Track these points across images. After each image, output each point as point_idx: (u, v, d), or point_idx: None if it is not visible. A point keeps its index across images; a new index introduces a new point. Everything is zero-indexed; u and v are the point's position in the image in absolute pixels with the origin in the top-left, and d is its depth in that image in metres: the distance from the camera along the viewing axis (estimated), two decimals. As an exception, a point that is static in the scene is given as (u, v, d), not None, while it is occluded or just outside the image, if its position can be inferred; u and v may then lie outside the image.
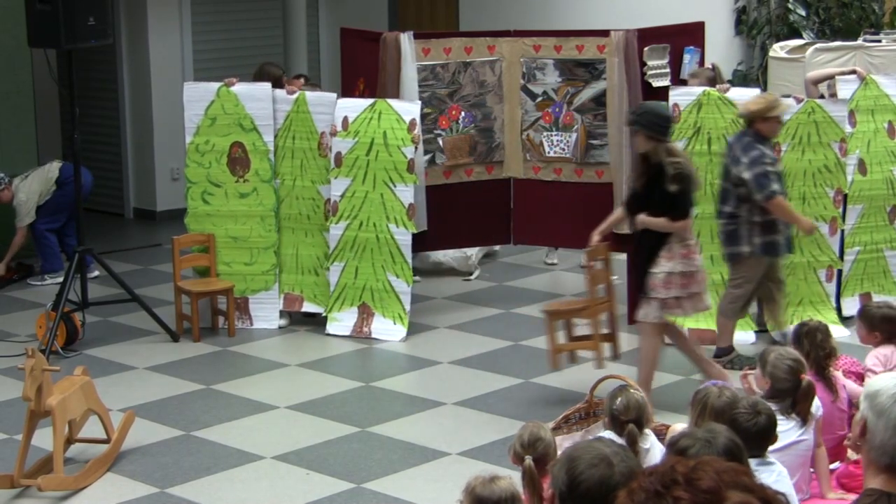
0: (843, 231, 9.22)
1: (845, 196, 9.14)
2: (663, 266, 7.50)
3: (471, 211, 9.52)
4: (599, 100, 9.51)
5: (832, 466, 5.90)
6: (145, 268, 11.22)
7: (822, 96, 9.30)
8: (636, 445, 5.07)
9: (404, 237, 9.23)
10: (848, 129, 9.07)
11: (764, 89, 9.77)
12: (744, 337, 8.98)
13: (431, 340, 8.46)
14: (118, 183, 13.24)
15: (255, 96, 9.40)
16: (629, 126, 7.85)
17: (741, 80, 13.61)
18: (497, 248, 11.24)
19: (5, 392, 8.11)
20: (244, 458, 7.12)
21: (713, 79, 9.20)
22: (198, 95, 9.47)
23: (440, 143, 9.65)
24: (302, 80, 9.97)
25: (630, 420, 5.15)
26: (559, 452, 4.35)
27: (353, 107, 9.33)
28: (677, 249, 7.51)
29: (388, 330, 9.19)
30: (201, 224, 9.48)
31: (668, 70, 9.35)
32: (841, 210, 9.15)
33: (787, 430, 5.47)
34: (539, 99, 9.66)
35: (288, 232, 9.51)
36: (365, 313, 9.28)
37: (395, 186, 9.20)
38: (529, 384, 8.19)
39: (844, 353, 7.03)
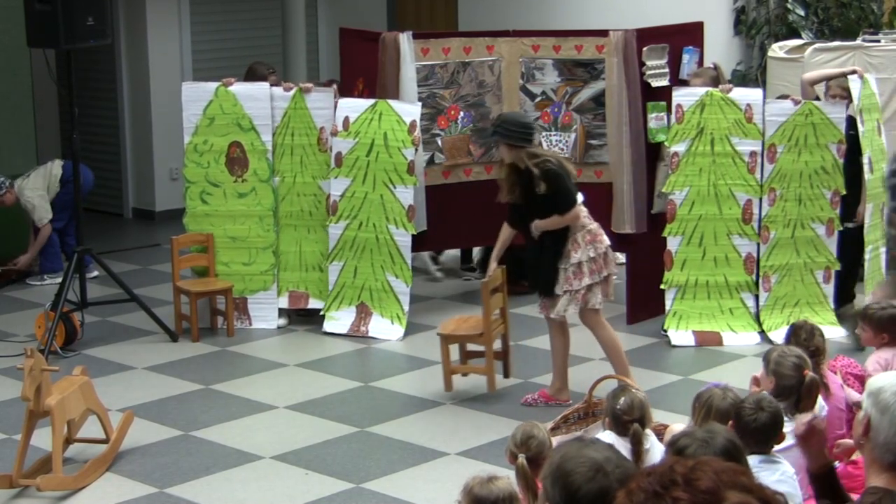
0: (843, 232, 9.20)
1: (843, 197, 9.14)
2: (573, 258, 7.57)
3: (470, 211, 9.51)
4: (598, 100, 9.51)
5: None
6: (144, 268, 11.22)
7: (817, 98, 9.30)
8: (640, 445, 5.07)
9: (404, 238, 9.24)
10: (860, 128, 9.07)
11: (763, 89, 9.75)
12: (747, 338, 8.98)
13: (430, 340, 8.46)
14: (117, 183, 13.24)
15: (254, 96, 9.40)
16: (490, 138, 7.94)
17: (740, 80, 13.59)
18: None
19: (4, 392, 8.11)
20: (243, 458, 7.12)
21: (716, 78, 9.20)
22: (196, 95, 9.46)
23: (439, 143, 9.65)
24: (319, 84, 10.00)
25: (634, 419, 5.16)
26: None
27: (354, 107, 9.33)
28: (581, 238, 7.58)
29: (386, 329, 9.20)
30: (200, 224, 9.48)
31: (666, 70, 9.36)
32: (839, 211, 9.15)
33: (789, 430, 5.47)
34: (538, 99, 9.66)
35: (290, 229, 9.50)
36: (363, 313, 9.29)
37: (394, 188, 9.20)
38: (528, 384, 8.19)
39: (843, 354, 7.03)
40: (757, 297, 9.11)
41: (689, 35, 9.56)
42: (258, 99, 9.40)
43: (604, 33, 9.46)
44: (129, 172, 13.25)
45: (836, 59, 10.36)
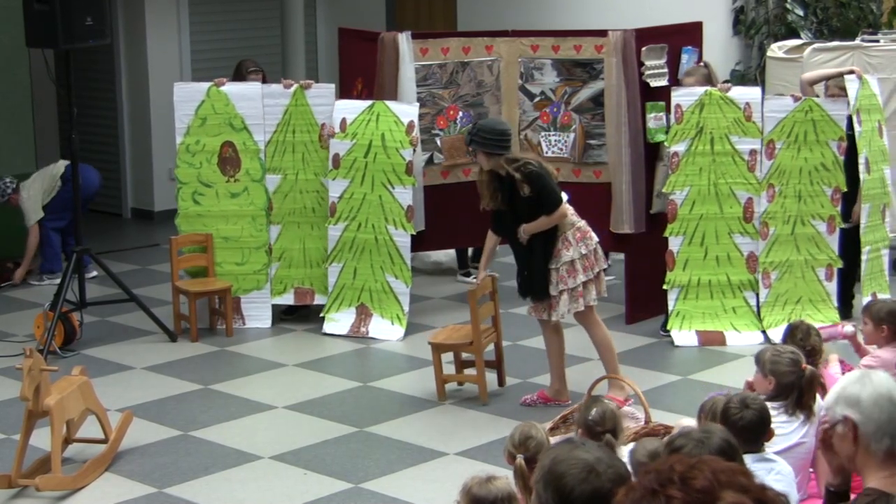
0: (844, 231, 9.21)
1: (844, 194, 9.14)
2: (564, 257, 7.58)
3: (469, 211, 9.49)
4: (597, 100, 9.51)
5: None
6: (143, 268, 11.22)
7: (816, 97, 9.29)
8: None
9: (403, 239, 9.24)
10: (858, 129, 9.07)
11: (762, 89, 9.75)
12: (751, 337, 8.98)
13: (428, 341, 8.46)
14: (116, 183, 13.24)
15: (246, 96, 9.41)
16: (468, 147, 7.96)
17: (739, 80, 13.59)
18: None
19: (3, 392, 8.11)
20: (242, 458, 7.12)
21: (708, 76, 9.20)
22: (188, 96, 9.46)
23: (438, 142, 9.65)
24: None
25: (606, 430, 5.17)
26: None
27: (352, 108, 9.33)
28: (571, 236, 7.60)
29: (387, 330, 9.20)
30: (192, 225, 9.48)
31: (665, 70, 9.35)
32: (840, 208, 9.15)
33: (791, 431, 5.47)
34: (537, 99, 9.66)
35: (293, 227, 9.50)
36: (363, 314, 9.29)
37: (393, 188, 9.21)
38: (527, 384, 8.19)
39: (840, 354, 7.01)
40: (758, 294, 9.11)
41: (687, 35, 9.56)
42: (250, 98, 9.40)
43: (603, 33, 9.46)
44: (128, 172, 13.25)
45: (835, 59, 10.36)
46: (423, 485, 6.76)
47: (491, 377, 8.05)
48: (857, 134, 9.00)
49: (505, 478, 4.55)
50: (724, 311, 9.08)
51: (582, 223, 7.66)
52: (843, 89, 9.12)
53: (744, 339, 8.98)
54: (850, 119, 9.07)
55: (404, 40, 9.44)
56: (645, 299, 9.32)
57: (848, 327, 6.76)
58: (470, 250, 10.81)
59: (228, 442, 7.34)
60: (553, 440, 5.34)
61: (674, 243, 9.08)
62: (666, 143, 9.10)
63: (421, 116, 9.34)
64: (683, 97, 9.01)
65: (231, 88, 9.44)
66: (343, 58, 10.14)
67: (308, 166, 9.44)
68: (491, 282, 7.96)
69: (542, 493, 3.17)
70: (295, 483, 6.79)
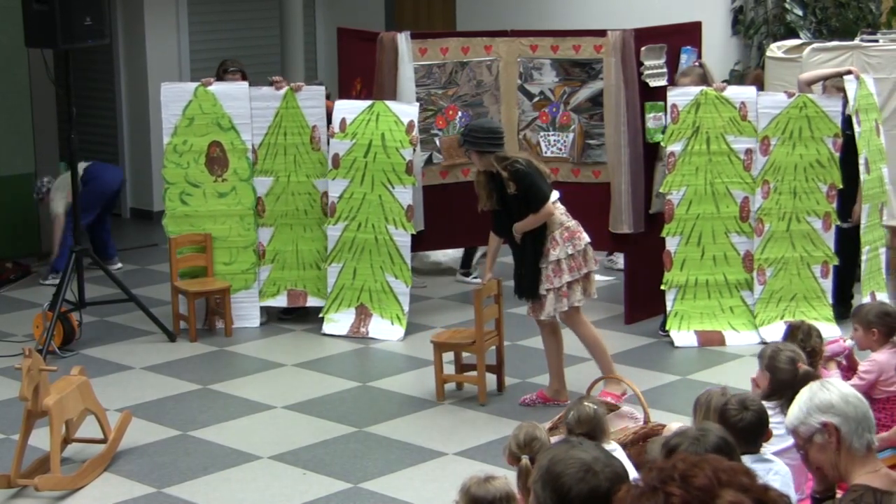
0: (842, 229, 9.21)
1: (840, 192, 9.15)
2: (551, 257, 7.59)
3: (468, 211, 9.49)
4: (596, 100, 9.50)
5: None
6: (142, 268, 11.22)
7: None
8: None
9: (403, 238, 9.24)
10: (857, 128, 9.08)
11: (761, 89, 9.74)
12: (749, 337, 8.98)
13: (428, 341, 8.46)
14: (115, 183, 13.23)
15: (233, 95, 9.41)
16: (461, 147, 7.98)
17: (738, 80, 13.59)
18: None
19: (2, 392, 8.10)
20: (241, 457, 7.12)
21: (703, 76, 9.20)
22: (175, 95, 9.46)
23: (437, 142, 9.65)
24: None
25: (583, 433, 5.17)
26: None
27: (351, 108, 9.34)
28: (558, 236, 7.60)
29: (387, 330, 9.20)
30: (179, 225, 9.47)
31: (664, 70, 9.35)
32: (836, 206, 9.15)
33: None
34: (536, 99, 9.66)
35: (286, 229, 9.51)
36: (362, 314, 9.29)
37: (393, 188, 9.21)
38: (526, 384, 8.19)
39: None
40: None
41: (687, 35, 9.56)
42: (237, 98, 9.41)
43: (602, 33, 9.45)
44: (127, 172, 13.23)
45: (835, 59, 10.35)
46: (423, 485, 6.75)
47: (489, 379, 8.04)
48: (856, 134, 9.00)
49: (503, 477, 4.54)
50: (722, 311, 9.08)
51: (572, 223, 7.65)
52: (841, 90, 9.13)
53: (742, 338, 8.98)
54: (848, 119, 9.06)
55: (403, 40, 9.45)
56: (644, 299, 9.32)
57: (849, 341, 6.74)
58: (478, 252, 10.83)
59: (227, 442, 7.34)
60: (552, 440, 5.34)
61: (671, 243, 9.08)
62: (662, 143, 9.10)
63: (420, 116, 9.33)
64: (679, 97, 9.01)
65: (218, 88, 9.44)
66: (342, 58, 10.14)
67: (300, 168, 9.44)
68: (496, 284, 7.95)
69: (541, 492, 3.18)
70: (294, 483, 6.79)
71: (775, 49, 10.95)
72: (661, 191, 9.14)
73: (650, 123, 9.25)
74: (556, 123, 9.61)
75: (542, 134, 9.64)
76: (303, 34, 13.14)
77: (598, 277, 10.40)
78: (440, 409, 7.88)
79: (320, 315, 9.39)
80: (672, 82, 9.26)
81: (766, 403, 5.53)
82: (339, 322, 9.31)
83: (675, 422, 5.93)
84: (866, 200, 9.14)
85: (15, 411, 7.16)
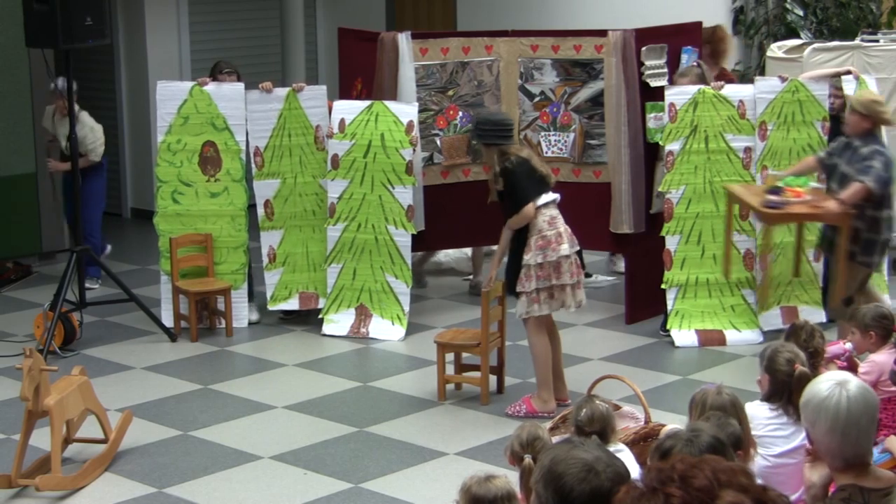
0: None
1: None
2: (524, 260, 7.58)
3: (468, 211, 9.51)
4: (597, 100, 9.51)
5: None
6: (143, 268, 11.23)
7: None
8: None
9: (403, 238, 9.24)
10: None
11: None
12: (750, 336, 8.98)
13: (429, 341, 8.46)
14: (116, 183, 13.24)
15: (228, 96, 9.43)
16: (472, 140, 7.96)
17: (739, 79, 13.59)
18: (495, 248, 11.23)
19: (3, 392, 8.11)
20: (242, 458, 7.12)
21: (701, 76, 9.21)
22: (171, 94, 9.48)
23: (438, 143, 9.65)
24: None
25: (594, 431, 5.18)
26: None
27: (350, 109, 9.34)
28: (533, 242, 7.57)
29: (387, 330, 9.20)
30: (171, 224, 9.48)
31: (665, 70, 9.36)
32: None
33: (792, 432, 5.47)
34: (537, 99, 9.66)
35: (295, 231, 9.50)
36: (363, 314, 9.29)
37: (393, 188, 9.21)
38: (527, 384, 8.18)
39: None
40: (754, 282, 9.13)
41: (687, 35, 9.57)
42: (232, 99, 9.42)
43: (602, 33, 9.46)
44: (128, 172, 13.25)
45: (835, 60, 10.36)
46: (423, 485, 6.76)
47: (490, 380, 8.03)
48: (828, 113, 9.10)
49: (504, 476, 4.54)
50: (723, 310, 9.09)
51: (552, 232, 7.54)
52: (840, 89, 9.15)
53: (743, 337, 8.99)
54: (835, 120, 9.10)
55: (404, 40, 9.45)
56: (645, 299, 9.32)
57: (848, 344, 6.74)
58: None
59: (228, 442, 7.35)
60: (553, 440, 5.34)
61: (671, 242, 9.09)
62: (660, 143, 9.11)
63: (420, 116, 9.33)
64: (677, 96, 9.02)
65: (213, 88, 9.45)
66: (343, 58, 10.15)
67: (306, 169, 9.45)
68: (501, 287, 7.95)
69: (542, 492, 3.18)
70: (295, 483, 6.79)
71: (776, 49, 10.97)
72: (660, 190, 9.14)
73: (651, 123, 9.26)
74: (557, 123, 9.61)
75: (542, 134, 9.64)
76: (303, 34, 13.15)
77: (601, 278, 10.45)
78: (441, 409, 7.88)
79: (319, 316, 9.39)
80: (671, 83, 9.26)
81: (767, 405, 5.55)
82: (338, 323, 9.31)
83: (674, 423, 5.92)
84: None
85: (15, 411, 7.16)
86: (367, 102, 9.32)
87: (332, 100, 9.59)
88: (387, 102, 9.28)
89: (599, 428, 5.24)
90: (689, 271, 9.09)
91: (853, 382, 3.64)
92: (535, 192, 7.57)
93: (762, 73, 12.57)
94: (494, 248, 11.07)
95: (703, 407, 5.04)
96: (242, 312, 9.51)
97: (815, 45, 10.62)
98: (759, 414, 5.55)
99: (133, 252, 11.76)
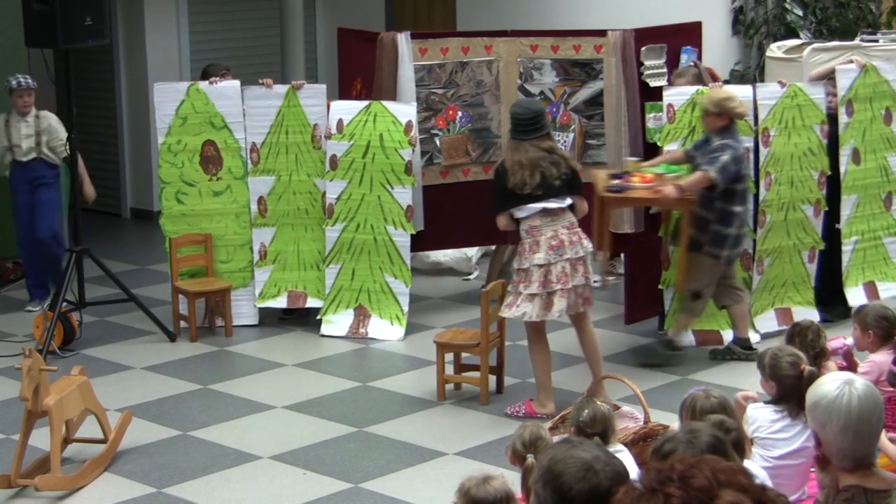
0: (825, 216, 9.26)
1: (828, 178, 9.19)
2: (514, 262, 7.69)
3: (468, 211, 9.51)
4: (596, 100, 9.50)
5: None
6: (142, 268, 11.23)
7: None
8: None
9: (402, 238, 9.24)
10: (845, 118, 9.12)
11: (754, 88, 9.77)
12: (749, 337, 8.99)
13: (428, 340, 8.47)
14: (115, 183, 13.25)
15: (225, 94, 9.43)
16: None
17: (738, 79, 13.59)
18: (494, 248, 11.24)
19: (2, 392, 8.11)
20: (241, 457, 7.13)
21: (699, 76, 9.20)
22: (168, 96, 9.47)
23: (437, 143, 9.65)
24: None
25: (596, 433, 5.18)
26: None
27: (348, 109, 9.33)
28: (521, 247, 7.60)
29: (386, 330, 9.20)
30: (176, 225, 9.47)
31: (665, 70, 9.35)
32: (825, 192, 9.20)
33: (793, 434, 5.48)
34: (536, 99, 9.65)
35: (287, 228, 9.50)
36: (361, 315, 9.28)
37: (392, 188, 9.21)
38: (526, 384, 8.18)
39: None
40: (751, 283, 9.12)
41: (687, 35, 9.56)
42: (230, 97, 9.42)
43: (602, 33, 9.45)
44: (127, 172, 13.25)
45: (835, 60, 10.35)
46: (423, 485, 6.76)
47: (489, 380, 8.03)
48: (841, 125, 9.07)
49: (501, 477, 4.54)
50: (720, 310, 9.07)
51: (528, 241, 7.50)
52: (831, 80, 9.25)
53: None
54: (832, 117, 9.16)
55: (403, 40, 9.44)
56: (644, 299, 9.31)
57: (849, 339, 6.75)
58: (475, 251, 10.85)
59: (227, 442, 7.35)
60: (553, 440, 5.35)
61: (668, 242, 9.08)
62: (659, 143, 9.10)
63: (419, 117, 9.32)
64: (675, 97, 9.01)
65: (210, 87, 9.44)
66: (342, 58, 10.14)
67: (301, 167, 9.45)
68: (501, 287, 7.95)
69: (541, 492, 3.18)
70: (294, 483, 6.79)
71: (775, 49, 10.96)
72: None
73: (650, 123, 9.25)
74: (557, 123, 9.60)
75: (542, 134, 9.62)
76: (303, 34, 13.14)
77: (597, 277, 10.45)
78: (440, 409, 7.88)
79: (318, 317, 9.38)
80: (670, 83, 9.26)
81: (773, 407, 5.55)
82: (337, 323, 9.31)
83: (675, 423, 5.92)
84: (856, 191, 9.18)
85: (15, 411, 7.16)
86: (365, 103, 9.32)
87: (332, 100, 9.59)
88: (385, 102, 9.28)
89: (602, 429, 5.24)
90: (687, 272, 9.08)
91: (859, 381, 3.63)
92: (505, 204, 7.55)
93: (762, 72, 12.58)
94: (495, 248, 11.22)
95: (694, 411, 5.05)
96: (252, 311, 9.52)
97: (815, 45, 10.61)
98: (763, 416, 5.55)
99: (133, 252, 11.76)
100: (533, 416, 7.59)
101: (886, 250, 9.44)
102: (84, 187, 9.69)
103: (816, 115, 9.13)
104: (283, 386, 8.32)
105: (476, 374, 7.97)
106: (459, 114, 9.67)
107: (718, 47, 13.77)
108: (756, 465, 5.16)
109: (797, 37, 13.26)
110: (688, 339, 8.99)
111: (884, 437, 5.39)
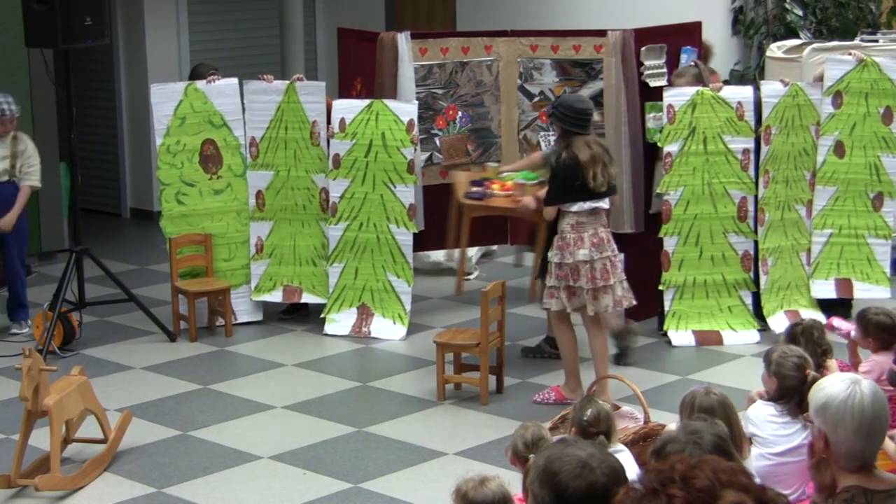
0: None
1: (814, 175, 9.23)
2: (548, 255, 7.73)
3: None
4: (596, 100, 9.49)
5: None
6: (142, 268, 11.23)
7: None
8: None
9: (405, 237, 9.24)
10: (830, 109, 9.12)
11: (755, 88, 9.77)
12: (747, 336, 8.99)
13: (429, 340, 8.47)
14: (115, 183, 13.25)
15: (223, 92, 9.43)
16: (549, 118, 8.01)
17: (738, 79, 13.60)
18: (494, 247, 11.25)
19: (2, 392, 8.11)
20: (241, 457, 7.12)
21: (699, 76, 9.20)
22: (166, 96, 9.46)
23: (437, 142, 9.65)
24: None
25: (599, 432, 5.18)
26: None
27: (350, 108, 9.33)
28: (556, 241, 7.68)
29: (389, 329, 9.20)
30: (177, 225, 9.46)
31: (664, 70, 9.35)
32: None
33: (792, 433, 5.48)
34: (536, 99, 9.66)
35: (284, 223, 9.51)
36: (364, 314, 9.29)
37: (394, 187, 9.21)
38: (526, 384, 8.19)
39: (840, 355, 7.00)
40: (755, 293, 9.12)
41: (687, 35, 9.56)
42: (228, 95, 9.42)
43: (602, 33, 9.45)
44: (127, 172, 13.25)
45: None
46: (423, 485, 6.76)
47: (489, 380, 8.03)
48: (823, 115, 9.10)
49: (497, 478, 4.53)
50: (720, 311, 9.09)
51: (570, 236, 7.61)
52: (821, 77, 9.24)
53: (740, 337, 8.99)
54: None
55: (403, 40, 9.44)
56: (644, 299, 9.30)
57: (854, 333, 6.77)
58: (475, 251, 10.86)
59: (227, 442, 7.35)
60: (553, 440, 5.35)
61: (669, 243, 9.09)
62: (659, 144, 9.10)
63: (420, 116, 9.32)
64: (675, 97, 9.01)
65: (208, 86, 9.44)
66: (342, 58, 10.14)
67: (300, 163, 9.45)
68: (501, 286, 7.95)
69: (538, 492, 3.19)
70: (294, 483, 6.79)
71: (775, 49, 10.96)
72: (658, 191, 9.13)
73: (650, 123, 9.25)
74: (557, 123, 9.59)
75: (542, 134, 9.64)
76: (303, 34, 13.14)
77: None
78: (441, 409, 7.88)
79: (322, 315, 9.39)
80: (669, 83, 9.26)
81: (773, 405, 5.55)
82: (340, 322, 9.31)
83: (674, 423, 5.92)
84: (836, 183, 9.17)
85: (15, 411, 7.16)
86: (367, 101, 9.31)
87: (332, 97, 9.59)
88: (386, 101, 9.27)
89: (605, 428, 5.24)
90: (687, 272, 9.09)
91: (865, 381, 3.63)
92: (565, 197, 7.63)
93: (761, 73, 12.59)
94: (494, 248, 11.24)
95: (692, 408, 5.06)
96: (254, 306, 9.55)
97: (815, 45, 10.61)
98: (763, 413, 5.56)
99: (133, 252, 11.75)
100: (563, 402, 7.66)
101: (871, 251, 9.33)
102: (9, 214, 9.12)
103: (813, 116, 9.14)
104: (283, 386, 8.32)
105: (476, 374, 7.97)
106: (459, 114, 9.67)
107: (718, 47, 13.75)
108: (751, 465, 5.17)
109: (797, 37, 13.28)
110: (688, 339, 8.99)
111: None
